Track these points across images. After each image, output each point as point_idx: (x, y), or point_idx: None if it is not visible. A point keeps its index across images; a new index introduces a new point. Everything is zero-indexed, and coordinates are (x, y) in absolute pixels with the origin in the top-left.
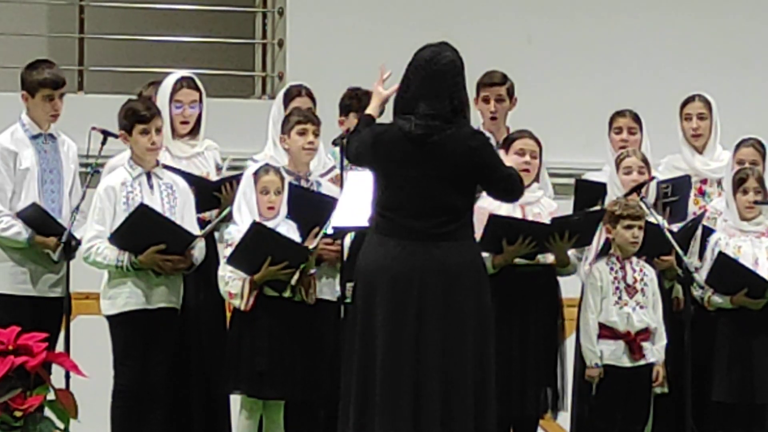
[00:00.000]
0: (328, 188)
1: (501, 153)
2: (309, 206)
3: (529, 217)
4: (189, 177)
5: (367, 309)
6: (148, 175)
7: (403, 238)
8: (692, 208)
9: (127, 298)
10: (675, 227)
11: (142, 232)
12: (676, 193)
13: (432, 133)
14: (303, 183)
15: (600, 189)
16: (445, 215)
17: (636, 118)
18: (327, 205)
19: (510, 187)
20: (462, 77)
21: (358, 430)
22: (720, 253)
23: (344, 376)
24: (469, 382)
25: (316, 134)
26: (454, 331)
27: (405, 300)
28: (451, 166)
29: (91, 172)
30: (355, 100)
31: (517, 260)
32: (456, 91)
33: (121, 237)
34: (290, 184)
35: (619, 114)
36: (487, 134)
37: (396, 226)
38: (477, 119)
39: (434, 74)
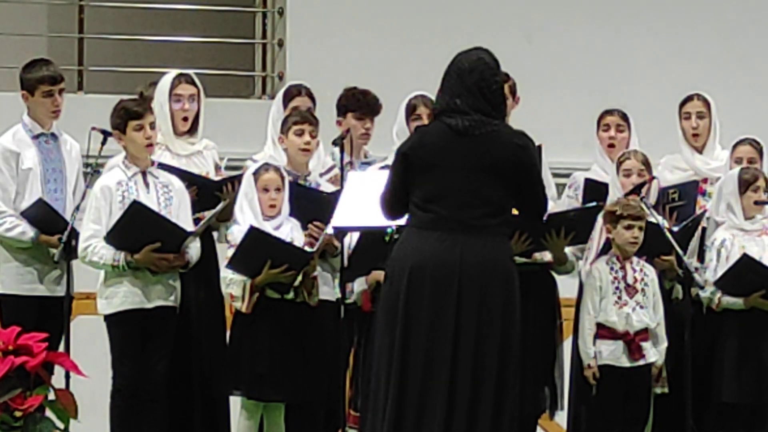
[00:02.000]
0: (327, 189)
1: None
2: (310, 204)
3: None
4: (191, 176)
5: (408, 305)
6: (144, 175)
7: (444, 230)
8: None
9: (124, 297)
10: (676, 228)
11: (137, 230)
12: (683, 197)
13: (477, 126)
14: (303, 182)
15: (603, 189)
16: (486, 207)
17: (624, 117)
18: (328, 202)
19: (540, 200)
20: (495, 76)
21: (395, 425)
22: (744, 255)
23: (378, 371)
24: (495, 381)
25: (314, 135)
26: (486, 328)
27: (446, 295)
28: (495, 160)
29: (91, 172)
30: (351, 100)
31: (515, 259)
32: (486, 87)
33: (116, 235)
34: (291, 183)
35: (608, 112)
36: None
37: (438, 218)
38: None
39: (463, 71)
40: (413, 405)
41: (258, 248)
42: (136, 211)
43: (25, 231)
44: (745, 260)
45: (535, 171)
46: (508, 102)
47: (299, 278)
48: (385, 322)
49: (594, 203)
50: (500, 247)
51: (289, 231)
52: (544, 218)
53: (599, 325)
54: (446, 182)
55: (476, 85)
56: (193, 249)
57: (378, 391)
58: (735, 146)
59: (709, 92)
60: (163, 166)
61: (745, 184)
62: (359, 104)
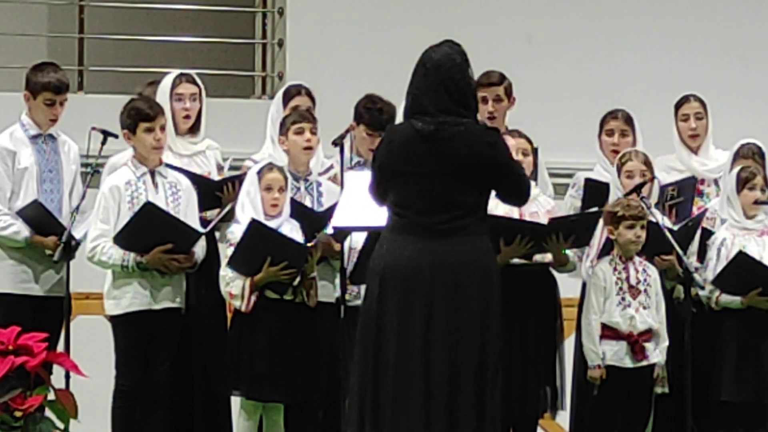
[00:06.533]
0: (328, 187)
1: None
2: (308, 222)
3: (526, 216)
4: (191, 176)
5: (380, 307)
6: (152, 174)
7: (415, 235)
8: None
9: (132, 298)
10: (676, 228)
11: (148, 231)
12: (681, 194)
13: (444, 129)
14: (303, 183)
15: (605, 188)
16: (456, 211)
17: (628, 120)
18: (323, 221)
19: (520, 188)
20: (463, 72)
21: (372, 429)
22: (740, 252)
23: (354, 374)
24: (473, 381)
25: (314, 132)
26: (462, 328)
27: (415, 297)
28: (463, 162)
29: (91, 172)
30: (366, 114)
31: (515, 260)
32: (454, 85)
33: (126, 236)
34: (291, 200)
35: (611, 116)
36: None
37: (409, 224)
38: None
39: (430, 70)
40: (387, 414)
41: (258, 243)
42: (148, 212)
43: (20, 230)
44: (741, 257)
45: (507, 163)
46: (504, 103)
47: (298, 278)
48: (361, 326)
49: (595, 208)
50: (475, 247)
51: (289, 231)
52: (548, 222)
53: (602, 326)
54: (415, 187)
55: (443, 84)
56: (199, 248)
57: (354, 398)
58: (735, 158)
59: (709, 92)
60: (167, 166)
61: (742, 182)
62: (373, 120)
